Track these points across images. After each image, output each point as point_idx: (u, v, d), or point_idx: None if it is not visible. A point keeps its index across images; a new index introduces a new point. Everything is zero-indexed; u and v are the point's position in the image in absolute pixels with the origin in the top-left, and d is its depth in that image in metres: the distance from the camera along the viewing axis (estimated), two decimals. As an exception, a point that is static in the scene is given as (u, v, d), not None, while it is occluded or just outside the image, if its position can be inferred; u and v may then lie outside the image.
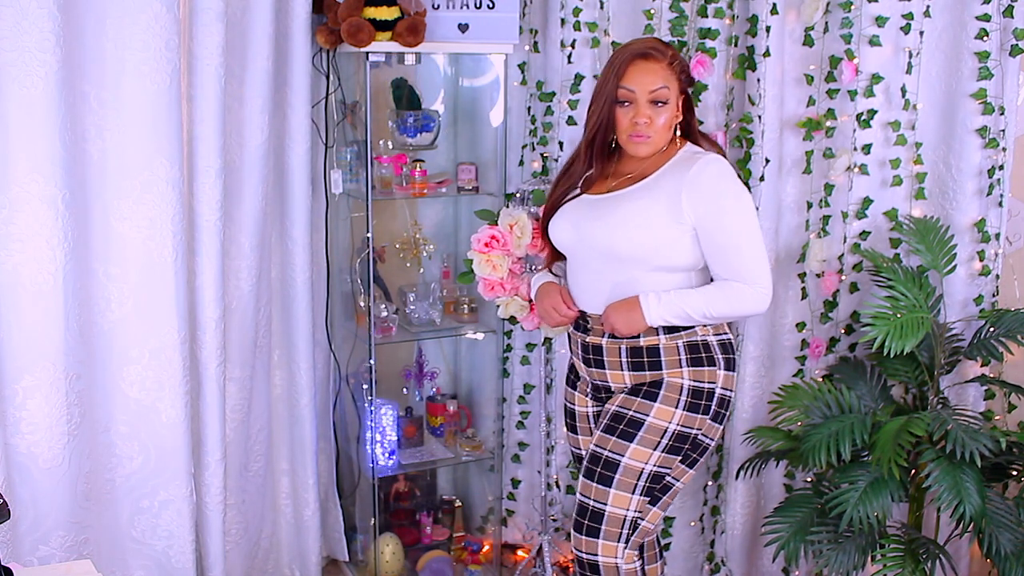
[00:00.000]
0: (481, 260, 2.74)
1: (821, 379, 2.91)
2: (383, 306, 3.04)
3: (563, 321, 2.39)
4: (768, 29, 2.75)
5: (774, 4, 2.74)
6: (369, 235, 2.89)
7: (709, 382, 2.25)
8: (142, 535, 2.60)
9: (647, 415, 2.23)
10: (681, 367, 2.24)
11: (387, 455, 3.08)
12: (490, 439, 3.25)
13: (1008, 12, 2.70)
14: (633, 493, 2.23)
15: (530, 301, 2.80)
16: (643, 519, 2.27)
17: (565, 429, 2.56)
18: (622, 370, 2.29)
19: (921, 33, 2.77)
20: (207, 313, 2.59)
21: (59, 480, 2.40)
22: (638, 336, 2.25)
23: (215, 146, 2.51)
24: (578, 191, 2.36)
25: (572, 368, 2.50)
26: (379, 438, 3.05)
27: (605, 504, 2.23)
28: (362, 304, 3.03)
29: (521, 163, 3.14)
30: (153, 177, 2.39)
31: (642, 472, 2.23)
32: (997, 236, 2.82)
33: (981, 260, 2.83)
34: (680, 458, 2.25)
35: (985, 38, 2.70)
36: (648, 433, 2.22)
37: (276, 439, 3.06)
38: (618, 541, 2.24)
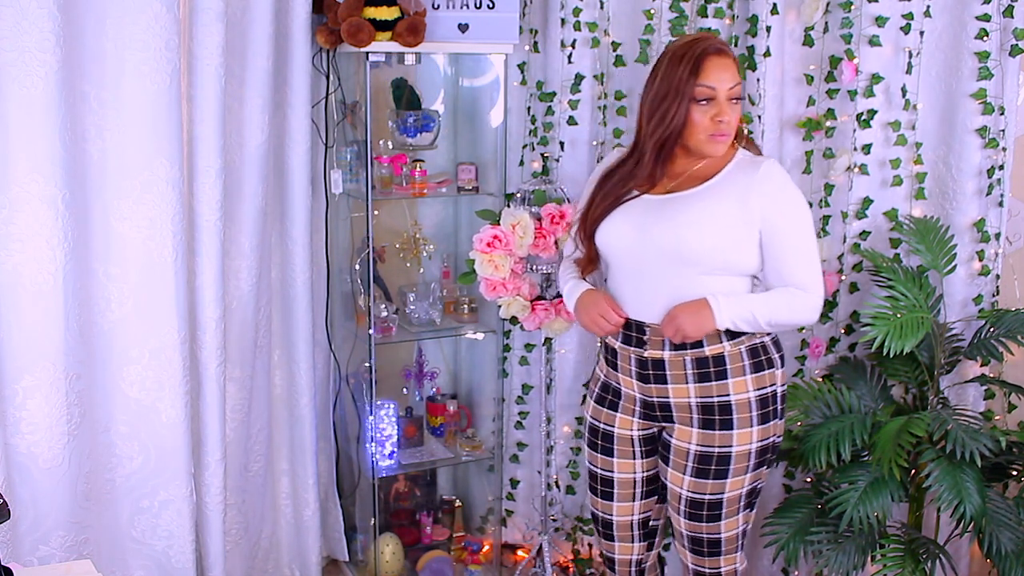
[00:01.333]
0: (483, 260, 2.74)
1: (821, 379, 2.90)
2: (383, 306, 3.04)
3: (612, 330, 2.29)
4: (768, 29, 2.75)
5: (774, 4, 2.74)
6: (369, 235, 2.89)
7: (770, 385, 2.26)
8: (142, 535, 2.60)
9: (730, 447, 2.23)
10: (745, 375, 2.23)
11: (387, 455, 3.08)
12: (490, 439, 3.25)
13: (1008, 12, 2.69)
14: (739, 513, 2.31)
15: (531, 301, 2.81)
16: (748, 525, 2.37)
17: (588, 448, 2.44)
18: (687, 383, 2.23)
19: (921, 33, 2.77)
20: (207, 313, 2.58)
21: (59, 480, 2.39)
22: (702, 345, 2.21)
23: (215, 146, 2.51)
24: (635, 193, 2.26)
25: (606, 387, 2.39)
26: (379, 438, 3.05)
27: (720, 533, 2.31)
28: (362, 304, 3.03)
29: (521, 163, 3.14)
30: (153, 177, 2.39)
31: (742, 495, 2.29)
32: (997, 236, 2.82)
33: (981, 260, 2.83)
34: (765, 467, 2.32)
35: (985, 38, 2.70)
36: (737, 463, 2.24)
37: (276, 439, 3.06)
38: (736, 551, 2.36)
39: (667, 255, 2.19)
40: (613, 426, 2.37)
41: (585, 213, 2.34)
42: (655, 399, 2.28)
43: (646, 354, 2.25)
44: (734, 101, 2.16)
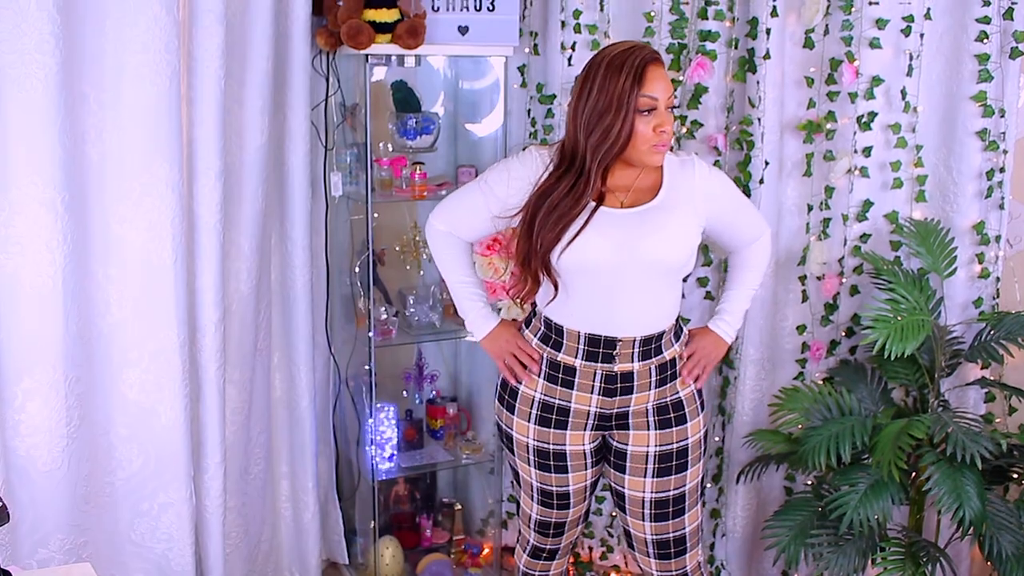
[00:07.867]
0: (483, 263, 2.73)
1: (821, 382, 2.91)
2: (383, 309, 3.03)
3: (521, 373, 2.27)
4: (768, 31, 2.75)
5: (774, 6, 2.74)
6: (369, 237, 2.89)
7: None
8: (142, 538, 2.59)
9: (686, 439, 2.28)
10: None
11: (387, 458, 3.08)
12: (490, 442, 3.25)
13: (1008, 15, 2.70)
14: (696, 504, 2.35)
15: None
16: (701, 518, 2.42)
17: (537, 470, 2.32)
18: (649, 390, 2.25)
19: (921, 35, 2.77)
20: (207, 315, 2.58)
21: (58, 483, 2.39)
22: (663, 352, 2.25)
23: (215, 148, 2.50)
24: (593, 205, 2.15)
25: (547, 407, 2.27)
26: (379, 441, 3.05)
27: (684, 528, 2.33)
28: (362, 307, 3.02)
29: (521, 165, 3.13)
30: (153, 179, 2.39)
31: (698, 484, 2.33)
32: (997, 239, 2.82)
33: (981, 263, 2.83)
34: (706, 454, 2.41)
35: (985, 40, 2.70)
36: (693, 453, 2.30)
37: (276, 442, 3.06)
38: (697, 545, 2.38)
39: (653, 268, 2.17)
40: (564, 444, 2.29)
41: (534, 241, 2.17)
42: (615, 410, 2.26)
43: (616, 368, 2.22)
44: (671, 110, 2.12)
